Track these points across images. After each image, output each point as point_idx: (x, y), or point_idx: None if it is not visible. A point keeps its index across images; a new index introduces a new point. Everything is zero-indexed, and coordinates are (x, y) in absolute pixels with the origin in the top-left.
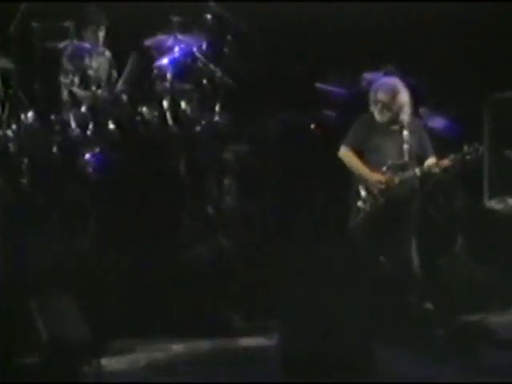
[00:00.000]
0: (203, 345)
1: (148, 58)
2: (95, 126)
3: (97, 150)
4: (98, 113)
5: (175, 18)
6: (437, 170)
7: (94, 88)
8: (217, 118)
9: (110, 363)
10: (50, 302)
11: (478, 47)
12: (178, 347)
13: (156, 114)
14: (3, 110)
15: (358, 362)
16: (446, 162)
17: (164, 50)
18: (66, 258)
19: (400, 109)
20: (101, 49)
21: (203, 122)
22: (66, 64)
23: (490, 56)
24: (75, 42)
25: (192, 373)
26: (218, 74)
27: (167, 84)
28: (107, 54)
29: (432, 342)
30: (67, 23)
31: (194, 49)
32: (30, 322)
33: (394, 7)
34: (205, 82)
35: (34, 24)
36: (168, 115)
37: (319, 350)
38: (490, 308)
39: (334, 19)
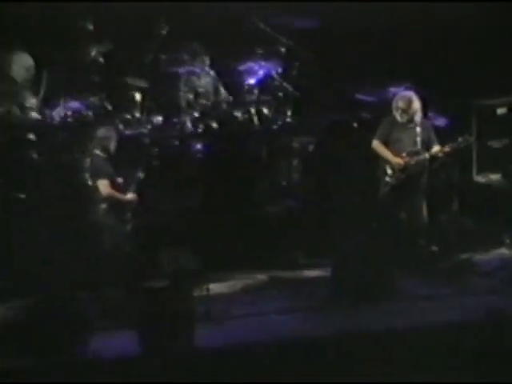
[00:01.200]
0: (278, 274)
1: (241, 78)
2: (204, 125)
3: (205, 142)
4: (206, 116)
5: (259, 51)
6: (440, 154)
7: (203, 99)
8: (288, 119)
9: (215, 287)
10: (174, 246)
11: (470, 72)
12: (261, 276)
13: (246, 116)
14: (142, 114)
15: (384, 286)
16: (446, 149)
17: (252, 73)
18: (180, 214)
19: (414, 113)
20: (207, 71)
21: (278, 122)
22: (184, 83)
23: (477, 77)
24: (189, 67)
25: (270, 294)
26: (289, 89)
27: (254, 96)
28: (212, 73)
29: (435, 272)
30: (184, 56)
31: (273, 72)
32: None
33: (414, 41)
34: (280, 94)
35: (162, 56)
36: (255, 118)
37: (359, 277)
38: (475, 249)
39: (371, 51)
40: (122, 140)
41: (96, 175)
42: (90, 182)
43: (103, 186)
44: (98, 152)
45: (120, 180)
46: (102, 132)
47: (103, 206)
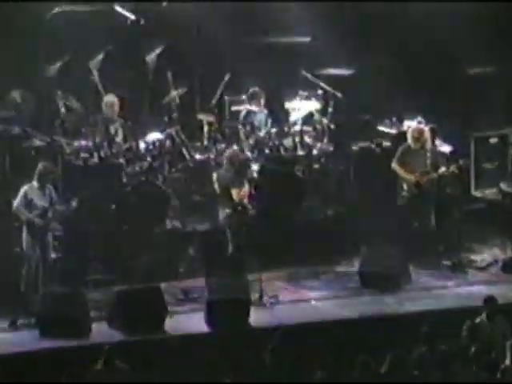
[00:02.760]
0: (317, 268)
1: (286, 114)
2: (259, 151)
3: (259, 164)
4: (260, 144)
5: (302, 93)
6: (446, 173)
7: (257, 131)
8: (324, 147)
9: (266, 278)
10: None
11: (469, 110)
12: (304, 270)
13: (291, 144)
14: (209, 142)
15: (400, 275)
16: (450, 170)
17: (297, 110)
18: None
19: (425, 141)
20: (261, 109)
21: (317, 147)
22: (243, 118)
23: (475, 114)
24: (247, 106)
25: (311, 284)
26: (325, 121)
27: (297, 128)
28: (265, 111)
29: (441, 266)
30: (243, 96)
31: (313, 109)
32: None
33: (424, 85)
34: (318, 126)
35: (226, 97)
36: (298, 145)
37: (382, 271)
38: (473, 249)
39: (390, 93)
40: (193, 162)
41: (227, 184)
42: (218, 191)
43: (236, 193)
44: (227, 167)
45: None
46: (230, 152)
47: (228, 210)
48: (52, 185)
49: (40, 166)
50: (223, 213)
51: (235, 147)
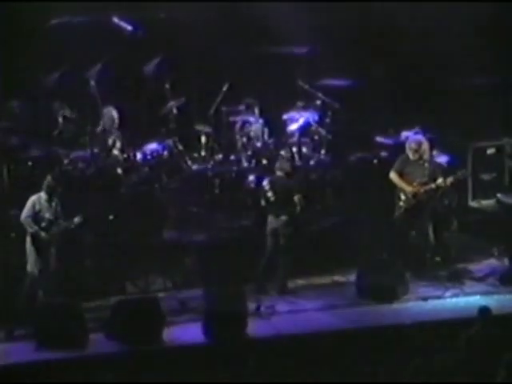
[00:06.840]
0: (314, 279)
1: (284, 125)
2: (256, 162)
3: (256, 174)
4: (257, 154)
5: (300, 103)
6: (443, 185)
7: (255, 142)
8: (322, 157)
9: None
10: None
11: (467, 121)
12: (301, 281)
13: (289, 154)
14: (206, 153)
15: (397, 286)
16: (448, 180)
17: (294, 120)
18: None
19: (423, 152)
20: (257, 119)
21: (315, 158)
22: (239, 129)
23: (472, 125)
24: (244, 117)
25: (308, 295)
26: (323, 132)
27: (295, 139)
28: (260, 121)
29: (438, 278)
30: (241, 107)
31: (310, 119)
32: None
33: (422, 97)
34: (316, 137)
35: (223, 108)
36: (295, 155)
37: (378, 281)
38: (470, 259)
39: (388, 104)
40: (190, 173)
41: (289, 190)
42: (272, 198)
43: (298, 199)
44: (280, 173)
45: None
46: (280, 162)
47: (284, 217)
48: (58, 198)
49: (48, 177)
50: (277, 220)
51: (233, 157)
